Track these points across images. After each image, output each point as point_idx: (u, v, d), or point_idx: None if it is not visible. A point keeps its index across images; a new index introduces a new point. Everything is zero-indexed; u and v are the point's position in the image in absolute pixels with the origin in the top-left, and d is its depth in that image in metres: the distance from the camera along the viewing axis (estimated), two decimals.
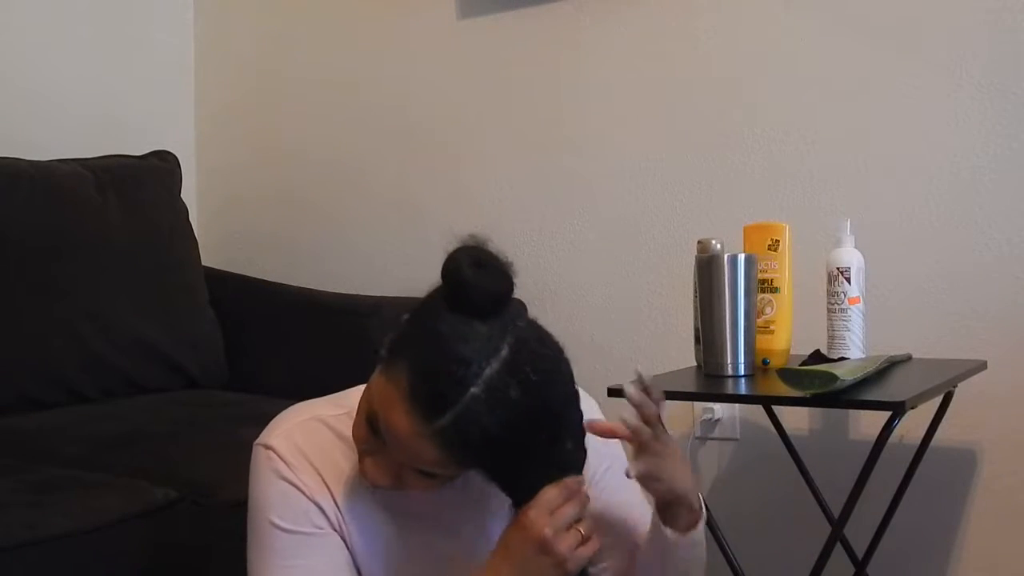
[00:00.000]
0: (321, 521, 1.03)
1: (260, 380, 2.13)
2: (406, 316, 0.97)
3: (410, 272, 2.30)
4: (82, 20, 2.39)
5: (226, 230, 2.59)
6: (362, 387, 1.11)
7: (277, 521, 1.02)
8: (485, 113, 2.23)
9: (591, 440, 1.01)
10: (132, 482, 1.45)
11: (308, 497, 1.02)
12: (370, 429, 0.95)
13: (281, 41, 2.53)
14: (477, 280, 0.90)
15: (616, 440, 1.03)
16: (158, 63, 2.57)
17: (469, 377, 0.87)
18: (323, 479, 1.04)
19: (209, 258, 2.33)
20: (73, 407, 1.87)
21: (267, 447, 1.04)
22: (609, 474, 1.11)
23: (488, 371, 0.88)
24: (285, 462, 1.03)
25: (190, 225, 2.25)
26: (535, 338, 0.94)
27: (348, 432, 1.04)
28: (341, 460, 1.05)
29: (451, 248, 0.93)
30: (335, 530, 1.03)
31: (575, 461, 0.97)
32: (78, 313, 1.93)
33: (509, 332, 0.91)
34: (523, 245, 2.16)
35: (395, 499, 1.04)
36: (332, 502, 1.03)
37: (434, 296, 0.94)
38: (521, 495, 0.96)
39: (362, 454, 0.98)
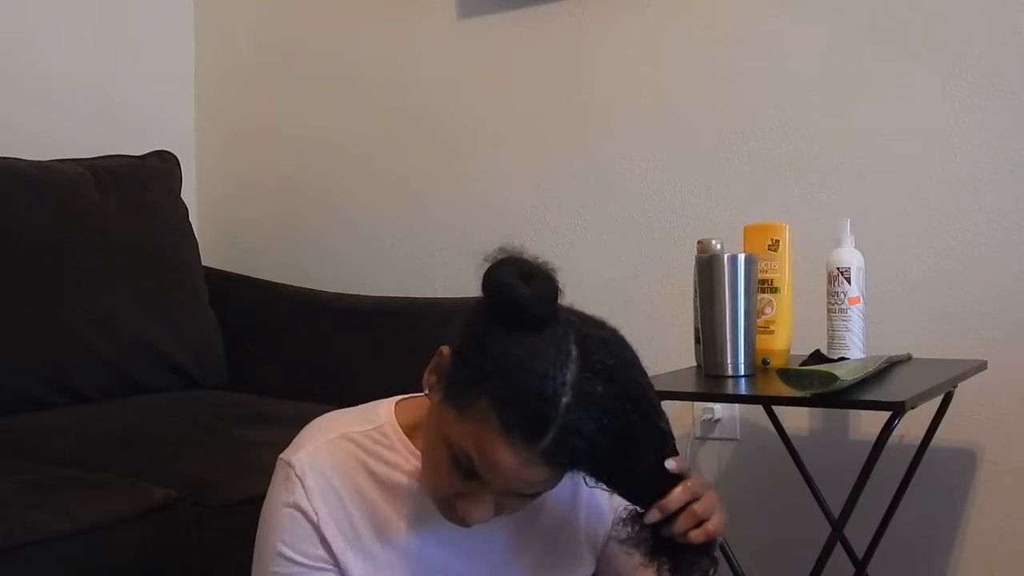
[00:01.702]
0: (325, 555, 1.01)
1: (260, 380, 2.13)
2: (453, 348, 0.95)
3: (411, 271, 2.30)
4: (83, 19, 2.39)
5: (226, 230, 2.59)
6: (390, 400, 1.09)
7: (283, 549, 1.01)
8: (485, 113, 2.23)
9: None
10: (132, 482, 1.45)
11: (317, 529, 1.01)
12: (461, 473, 0.92)
13: (282, 42, 2.53)
14: (534, 294, 0.88)
15: None
16: (158, 62, 2.57)
17: (557, 390, 0.86)
18: (344, 506, 1.02)
19: (209, 258, 2.33)
20: (73, 407, 1.87)
21: (290, 465, 1.02)
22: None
23: (570, 376, 0.87)
24: (304, 487, 1.01)
25: (190, 225, 2.25)
26: (590, 324, 0.94)
27: (378, 450, 1.03)
28: (367, 484, 1.03)
29: (487, 266, 0.91)
30: (337, 566, 1.01)
31: (669, 431, 0.96)
32: (78, 313, 1.93)
33: (570, 330, 0.90)
34: (523, 245, 2.16)
35: (426, 520, 1.02)
36: (346, 534, 1.02)
37: (484, 318, 0.91)
38: (637, 486, 0.94)
39: (451, 499, 0.95)
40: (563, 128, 2.13)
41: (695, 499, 0.95)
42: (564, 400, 0.86)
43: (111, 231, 2.03)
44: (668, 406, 1.53)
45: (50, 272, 1.92)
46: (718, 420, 1.95)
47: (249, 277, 2.35)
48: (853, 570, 1.68)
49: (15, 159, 1.99)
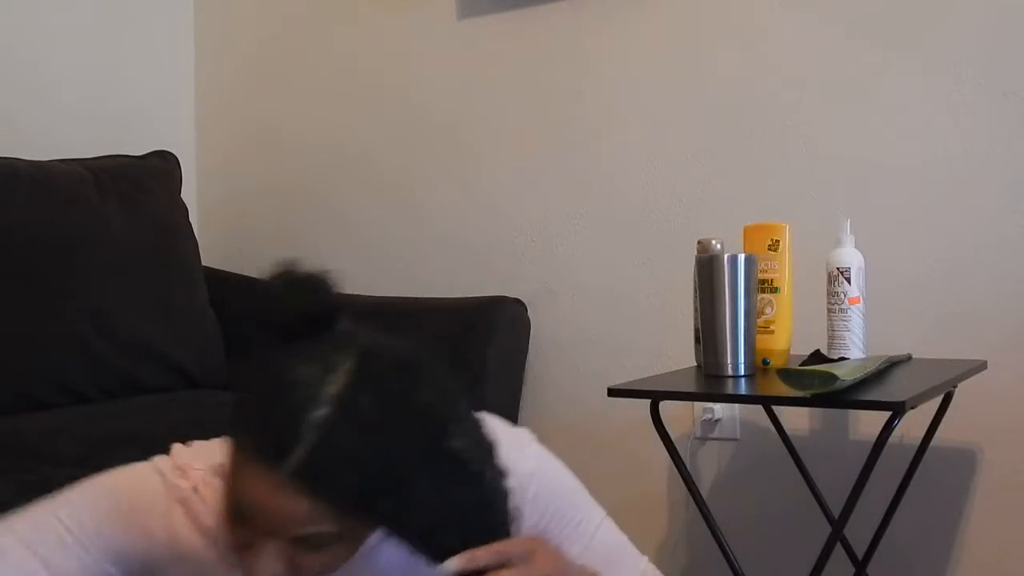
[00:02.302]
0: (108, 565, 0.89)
1: None
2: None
3: (411, 272, 2.30)
4: (83, 19, 2.39)
5: (226, 230, 2.59)
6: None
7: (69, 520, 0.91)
8: (485, 113, 2.23)
9: (550, 491, 0.95)
10: None
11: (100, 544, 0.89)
12: (234, 519, 0.80)
13: (281, 41, 2.53)
14: (294, 296, 0.80)
15: (577, 487, 0.99)
16: (158, 62, 2.57)
17: (310, 401, 0.74)
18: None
19: (209, 258, 2.33)
20: (73, 407, 1.87)
21: (184, 473, 0.92)
22: (580, 530, 1.00)
23: (333, 388, 0.75)
24: (202, 499, 0.91)
25: (190, 225, 2.25)
26: (389, 342, 0.82)
27: (193, 494, 0.92)
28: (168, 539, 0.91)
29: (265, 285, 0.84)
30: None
31: (474, 462, 0.79)
32: (78, 313, 1.93)
33: (353, 341, 0.79)
34: (523, 245, 2.17)
35: None
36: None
37: (259, 340, 0.84)
38: (430, 540, 0.78)
39: (241, 555, 0.81)
40: (563, 128, 2.13)
41: (505, 564, 0.80)
42: (318, 412, 0.74)
43: (111, 231, 2.03)
44: (668, 406, 1.54)
45: (50, 272, 1.92)
46: (718, 420, 1.95)
47: (249, 277, 2.35)
48: (853, 570, 1.68)
49: (15, 159, 1.99)
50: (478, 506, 0.79)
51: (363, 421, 0.74)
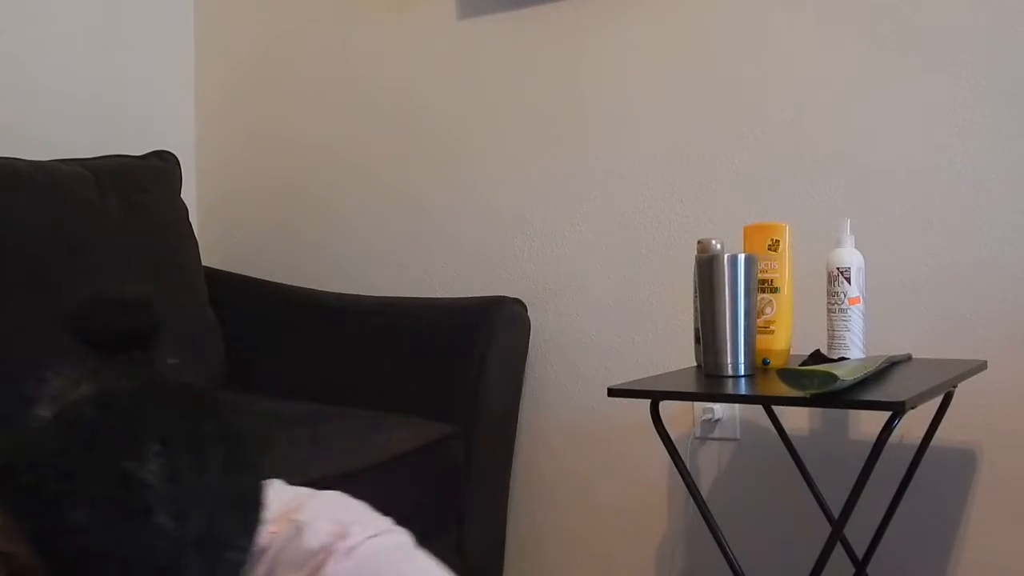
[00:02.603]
0: None
1: (259, 380, 2.13)
2: None
3: (411, 271, 2.30)
4: (82, 19, 2.39)
5: (226, 230, 2.59)
6: None
7: None
8: (485, 113, 2.23)
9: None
10: None
11: None
12: None
13: (281, 41, 2.53)
14: (89, 309, 0.74)
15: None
16: (158, 62, 2.57)
17: (47, 399, 0.68)
18: None
19: (209, 258, 2.33)
20: None
21: None
22: None
23: (74, 395, 0.68)
24: None
25: (190, 225, 2.25)
26: (181, 379, 0.76)
27: None
28: None
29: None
30: None
31: (153, 499, 0.65)
32: None
33: (141, 366, 0.74)
34: (523, 244, 2.16)
35: None
36: None
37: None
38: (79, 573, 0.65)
39: None
40: (563, 128, 2.13)
41: None
42: (39, 412, 0.68)
43: (111, 231, 2.04)
44: (668, 406, 1.54)
45: (50, 272, 1.92)
46: (718, 420, 1.95)
47: (249, 277, 2.35)
48: (853, 570, 1.68)
49: (15, 159, 1.99)
50: (138, 548, 0.65)
51: (69, 430, 0.66)
